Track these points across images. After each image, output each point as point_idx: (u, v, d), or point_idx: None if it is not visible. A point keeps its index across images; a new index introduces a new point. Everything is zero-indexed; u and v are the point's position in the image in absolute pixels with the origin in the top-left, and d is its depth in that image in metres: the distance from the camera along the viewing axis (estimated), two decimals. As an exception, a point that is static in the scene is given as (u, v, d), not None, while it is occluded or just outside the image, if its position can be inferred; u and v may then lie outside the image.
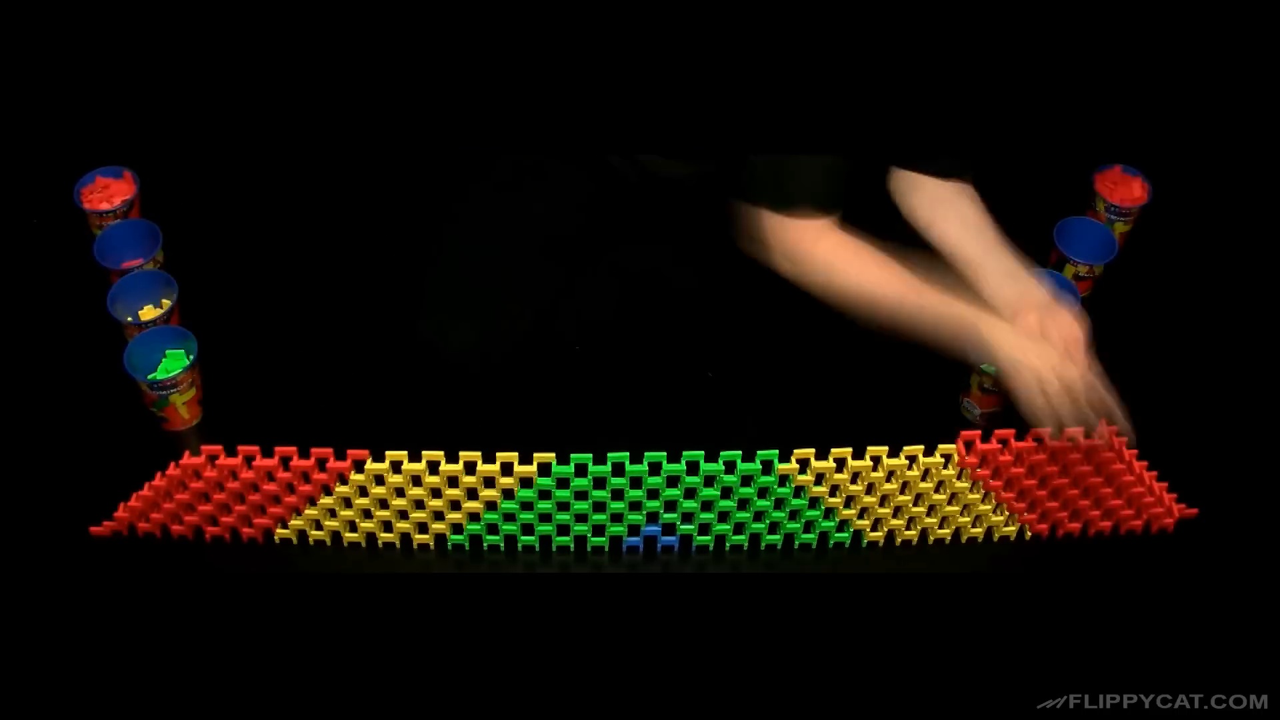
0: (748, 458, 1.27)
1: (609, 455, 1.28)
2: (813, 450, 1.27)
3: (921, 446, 1.30)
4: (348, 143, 1.45)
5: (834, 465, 1.28)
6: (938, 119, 1.33)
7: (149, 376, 1.45)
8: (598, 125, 1.32)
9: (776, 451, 1.27)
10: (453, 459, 1.28)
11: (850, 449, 1.29)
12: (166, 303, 1.51)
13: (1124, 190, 1.69)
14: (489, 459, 1.26)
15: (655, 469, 1.29)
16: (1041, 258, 1.67)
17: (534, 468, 1.29)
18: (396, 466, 1.28)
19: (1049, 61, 1.36)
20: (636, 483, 1.31)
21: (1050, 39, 1.35)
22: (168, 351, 1.49)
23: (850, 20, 1.27)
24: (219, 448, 1.27)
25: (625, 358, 1.53)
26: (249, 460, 1.27)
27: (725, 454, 1.27)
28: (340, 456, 1.27)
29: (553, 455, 1.28)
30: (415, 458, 1.28)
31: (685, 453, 1.27)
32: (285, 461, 1.28)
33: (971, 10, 1.30)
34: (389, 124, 1.39)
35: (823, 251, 1.31)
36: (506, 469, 1.29)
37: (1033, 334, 1.27)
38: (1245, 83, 1.57)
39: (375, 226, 1.75)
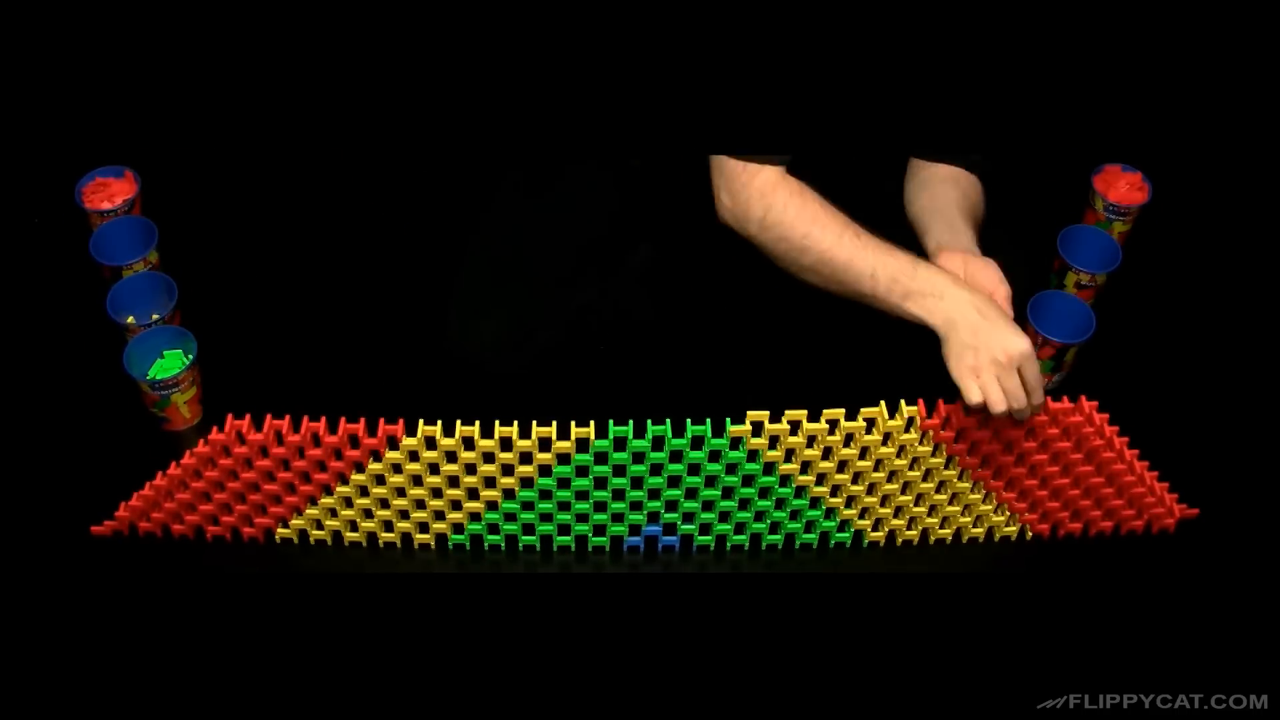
0: (717, 432, 1.25)
1: (610, 455, 1.28)
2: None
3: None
4: (349, 142, 1.45)
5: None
6: (938, 119, 1.34)
7: (148, 376, 1.45)
8: (620, 128, 1.32)
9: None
10: (456, 447, 1.27)
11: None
12: (156, 317, 1.51)
13: (1123, 189, 1.69)
14: (488, 435, 1.25)
15: (656, 469, 1.29)
16: (1045, 264, 1.67)
17: (534, 468, 1.29)
18: (424, 447, 1.27)
19: (1045, 60, 1.36)
20: (637, 483, 1.31)
21: (1047, 37, 1.35)
22: (165, 351, 1.49)
23: (850, 22, 1.27)
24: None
25: (651, 358, 1.53)
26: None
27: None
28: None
29: (552, 456, 1.28)
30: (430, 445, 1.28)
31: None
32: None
33: (967, 10, 1.30)
34: (391, 123, 1.39)
35: (759, 183, 1.29)
36: (507, 469, 1.29)
37: (957, 278, 1.26)
38: (1244, 82, 1.57)
39: (376, 226, 1.75)
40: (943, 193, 1.40)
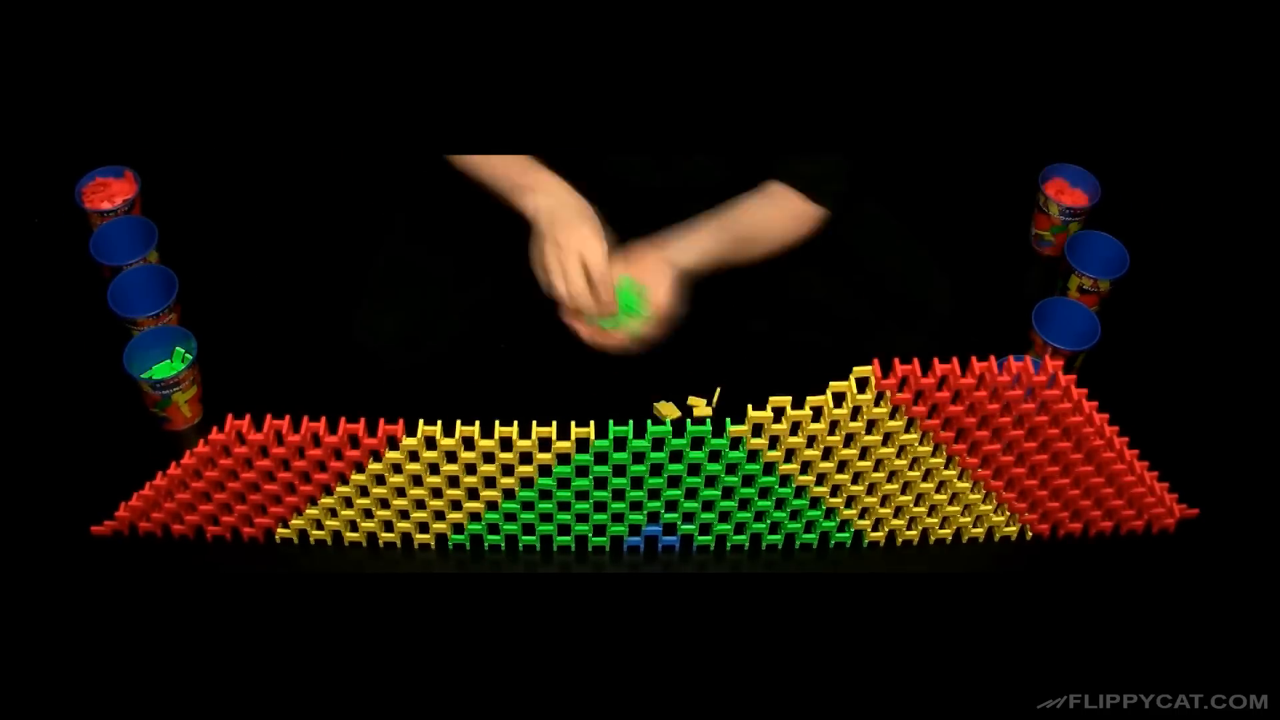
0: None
1: (610, 456, 1.28)
2: (769, 414, 1.24)
3: (850, 381, 1.23)
4: (348, 141, 1.45)
5: (772, 415, 1.24)
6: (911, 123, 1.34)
7: (146, 375, 1.45)
8: (566, 128, 1.34)
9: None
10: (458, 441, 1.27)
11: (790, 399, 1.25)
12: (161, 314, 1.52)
13: (1072, 194, 1.69)
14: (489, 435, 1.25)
15: (656, 469, 1.29)
16: (1048, 272, 1.68)
17: (534, 468, 1.29)
18: (423, 447, 1.27)
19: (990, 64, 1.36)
20: (637, 483, 1.31)
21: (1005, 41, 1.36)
22: (176, 349, 1.49)
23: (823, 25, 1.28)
24: (245, 421, 1.25)
25: (550, 353, 1.52)
26: (278, 435, 1.25)
27: (693, 429, 1.25)
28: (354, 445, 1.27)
29: (552, 456, 1.28)
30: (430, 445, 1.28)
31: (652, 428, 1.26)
32: (316, 438, 1.26)
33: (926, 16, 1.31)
34: (390, 122, 1.39)
35: None
36: (507, 470, 1.29)
37: (564, 184, 1.34)
38: (1244, 84, 1.57)
39: (376, 227, 1.75)
40: (739, 204, 1.41)
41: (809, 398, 1.23)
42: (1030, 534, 1.42)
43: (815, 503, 1.35)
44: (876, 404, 1.24)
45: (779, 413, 1.24)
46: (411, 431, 1.25)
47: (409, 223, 1.54)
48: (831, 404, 1.24)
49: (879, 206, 1.57)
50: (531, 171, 1.36)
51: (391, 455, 1.27)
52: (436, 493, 1.32)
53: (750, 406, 1.24)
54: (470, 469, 1.29)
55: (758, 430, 1.26)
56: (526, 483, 1.31)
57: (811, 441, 1.28)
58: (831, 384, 1.24)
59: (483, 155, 1.38)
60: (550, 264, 1.29)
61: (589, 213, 1.32)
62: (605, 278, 1.28)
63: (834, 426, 1.26)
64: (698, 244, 1.38)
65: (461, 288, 1.49)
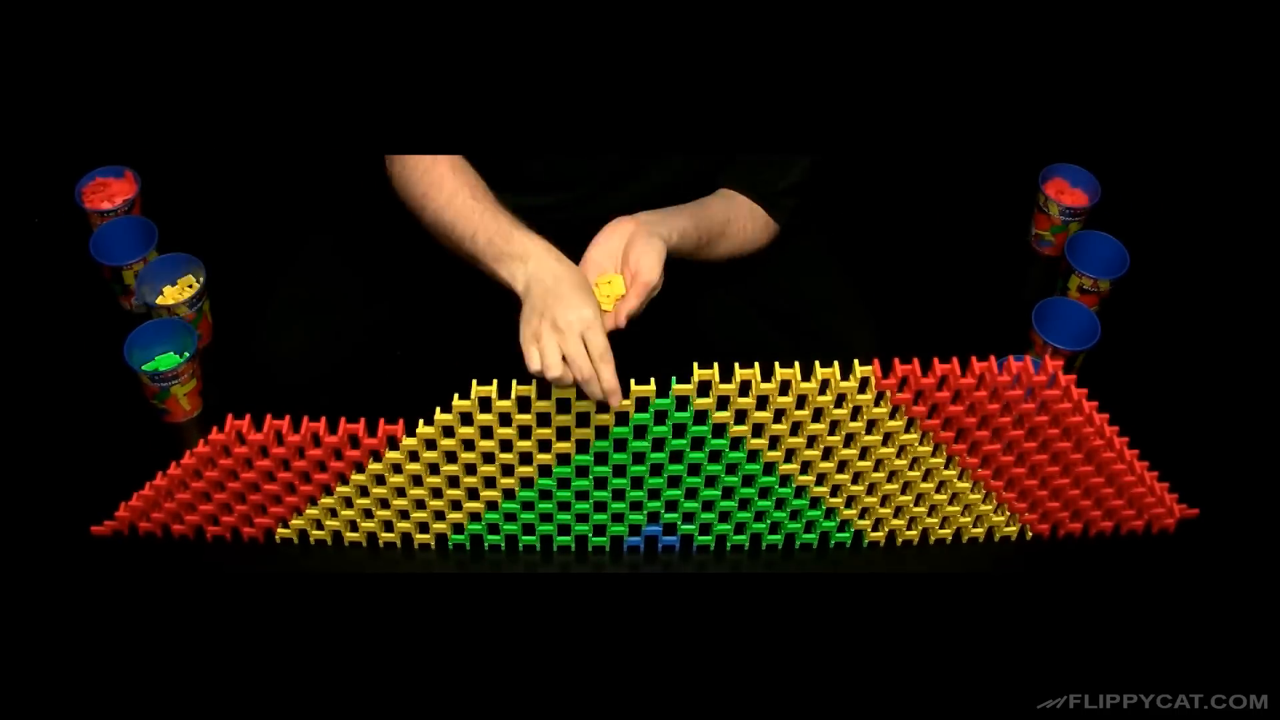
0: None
1: (610, 456, 1.28)
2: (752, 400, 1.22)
3: (835, 366, 1.21)
4: (348, 141, 1.45)
5: (737, 387, 1.21)
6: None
7: (146, 367, 1.45)
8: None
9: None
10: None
11: (755, 370, 1.21)
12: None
13: (1073, 194, 1.69)
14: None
15: (657, 470, 1.29)
16: (1048, 271, 1.68)
17: (534, 469, 1.29)
18: (423, 447, 1.28)
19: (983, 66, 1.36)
20: (638, 483, 1.31)
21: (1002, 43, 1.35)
22: (185, 340, 1.50)
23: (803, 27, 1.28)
24: (245, 421, 1.24)
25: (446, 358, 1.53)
26: (278, 435, 1.25)
27: (693, 429, 1.25)
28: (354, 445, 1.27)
29: (552, 457, 1.28)
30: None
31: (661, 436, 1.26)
32: (316, 438, 1.26)
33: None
34: (389, 122, 1.39)
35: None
36: (507, 470, 1.29)
37: (551, 248, 1.24)
38: (1246, 86, 1.57)
39: (377, 227, 1.75)
40: (707, 198, 1.38)
41: (779, 369, 1.20)
42: (1030, 534, 1.42)
43: (815, 503, 1.35)
44: (876, 404, 1.24)
45: (745, 386, 1.21)
46: (411, 431, 1.25)
47: (326, 242, 1.53)
48: (801, 378, 1.21)
49: (818, 238, 1.54)
50: (518, 236, 1.24)
51: (391, 455, 1.27)
52: (436, 493, 1.32)
53: (696, 365, 1.20)
54: (470, 469, 1.29)
55: (758, 430, 1.26)
56: (526, 483, 1.31)
57: (812, 441, 1.28)
58: (819, 369, 1.21)
59: (457, 210, 1.28)
60: (547, 349, 1.16)
61: (585, 284, 1.21)
62: (610, 359, 1.18)
63: (819, 414, 1.24)
64: (678, 225, 1.32)
65: (367, 305, 1.47)
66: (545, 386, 1.21)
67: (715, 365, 1.21)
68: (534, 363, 1.16)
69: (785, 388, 1.21)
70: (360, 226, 1.53)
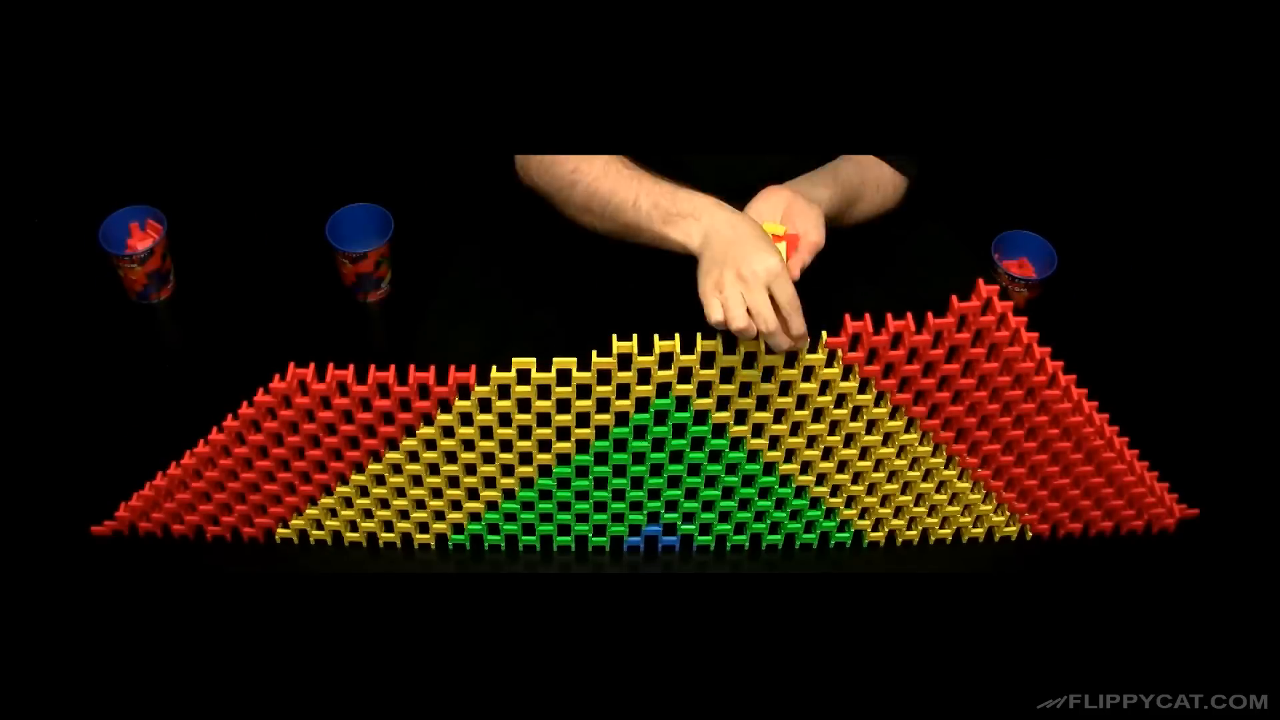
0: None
1: (610, 456, 1.28)
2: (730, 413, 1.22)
3: (837, 366, 1.19)
4: (349, 142, 1.45)
5: (698, 359, 1.18)
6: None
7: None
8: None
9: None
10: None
11: (716, 342, 1.17)
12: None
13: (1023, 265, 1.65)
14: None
15: (657, 470, 1.29)
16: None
17: (534, 469, 1.29)
18: (423, 448, 1.27)
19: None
20: (638, 483, 1.31)
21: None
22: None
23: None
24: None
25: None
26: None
27: (694, 429, 1.24)
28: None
29: (552, 457, 1.28)
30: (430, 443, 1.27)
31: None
32: (315, 438, 1.25)
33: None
34: (393, 126, 1.39)
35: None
36: (507, 470, 1.29)
37: (721, 203, 1.20)
38: (1245, 88, 1.57)
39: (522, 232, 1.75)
40: (835, 162, 1.36)
41: (780, 369, 1.18)
42: (1030, 534, 1.42)
43: (815, 503, 1.35)
44: (829, 364, 1.19)
45: (713, 359, 1.18)
46: (411, 432, 1.25)
47: (475, 251, 1.52)
48: (801, 379, 1.19)
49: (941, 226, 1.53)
50: (683, 195, 1.21)
51: (391, 455, 1.27)
52: (436, 493, 1.32)
53: (657, 337, 1.17)
54: (470, 469, 1.29)
55: (758, 430, 1.26)
56: (526, 483, 1.31)
57: (812, 441, 1.28)
58: (820, 369, 1.19)
59: (614, 179, 1.25)
60: (731, 300, 1.11)
61: (765, 235, 1.16)
62: (799, 307, 1.13)
63: (786, 387, 1.21)
64: (825, 191, 1.28)
65: (527, 311, 1.44)
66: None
67: (676, 336, 1.17)
68: (715, 313, 1.12)
69: (785, 388, 1.22)
70: (505, 233, 1.51)
